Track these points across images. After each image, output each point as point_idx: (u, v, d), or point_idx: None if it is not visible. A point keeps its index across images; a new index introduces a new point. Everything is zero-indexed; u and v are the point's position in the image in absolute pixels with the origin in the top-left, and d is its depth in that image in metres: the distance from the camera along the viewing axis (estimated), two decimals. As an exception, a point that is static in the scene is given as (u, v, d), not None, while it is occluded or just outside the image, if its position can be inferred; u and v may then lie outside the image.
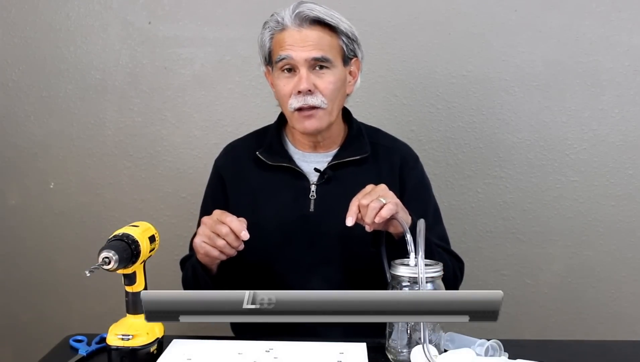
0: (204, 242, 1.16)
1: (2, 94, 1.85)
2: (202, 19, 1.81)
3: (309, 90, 1.26)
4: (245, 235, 1.13)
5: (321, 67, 1.28)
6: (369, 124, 1.46)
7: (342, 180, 1.34)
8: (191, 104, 1.84)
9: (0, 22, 1.83)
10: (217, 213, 1.17)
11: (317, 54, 1.26)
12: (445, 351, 1.04)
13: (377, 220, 1.11)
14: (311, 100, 1.27)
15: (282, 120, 1.41)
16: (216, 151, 1.46)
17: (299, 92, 1.26)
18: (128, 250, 0.99)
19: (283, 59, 1.27)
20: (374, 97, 1.80)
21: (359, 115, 1.45)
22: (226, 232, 1.13)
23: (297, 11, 1.27)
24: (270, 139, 1.38)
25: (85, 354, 1.12)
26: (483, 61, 1.81)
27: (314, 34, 1.27)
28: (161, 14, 1.81)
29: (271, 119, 1.43)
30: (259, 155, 1.35)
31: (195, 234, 1.43)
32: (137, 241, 1.01)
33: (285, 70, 1.29)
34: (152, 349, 1.05)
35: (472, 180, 1.85)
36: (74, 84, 1.84)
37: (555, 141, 1.83)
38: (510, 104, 1.82)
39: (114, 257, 0.96)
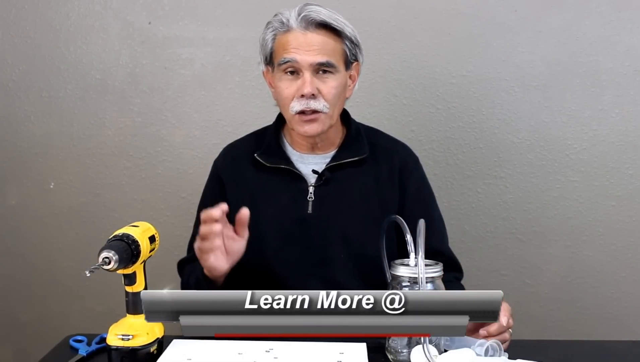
0: (205, 253, 1.14)
1: (2, 94, 1.85)
2: (202, 19, 1.81)
3: (312, 95, 1.26)
4: (223, 207, 1.11)
5: (324, 71, 1.27)
6: (369, 124, 1.46)
7: (341, 182, 1.34)
8: (191, 104, 1.84)
9: (0, 22, 1.83)
10: (201, 217, 1.14)
11: (322, 59, 1.25)
12: (445, 351, 1.04)
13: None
14: (314, 105, 1.26)
15: (280, 121, 1.41)
16: (216, 151, 1.46)
17: (302, 95, 1.26)
18: (128, 250, 0.99)
19: (287, 61, 1.26)
20: (374, 98, 1.80)
21: (359, 116, 1.45)
22: (217, 228, 1.11)
23: (303, 14, 1.26)
24: (269, 141, 1.38)
25: (85, 354, 1.12)
26: (483, 61, 1.81)
27: (320, 38, 1.26)
28: (161, 14, 1.81)
29: (271, 119, 1.43)
30: (257, 157, 1.35)
31: (192, 236, 1.43)
32: (137, 241, 1.01)
33: (288, 73, 1.28)
34: (152, 349, 1.05)
35: (472, 180, 1.85)
36: (74, 84, 1.84)
37: (555, 141, 1.83)
38: (510, 104, 1.82)
39: (114, 257, 0.96)
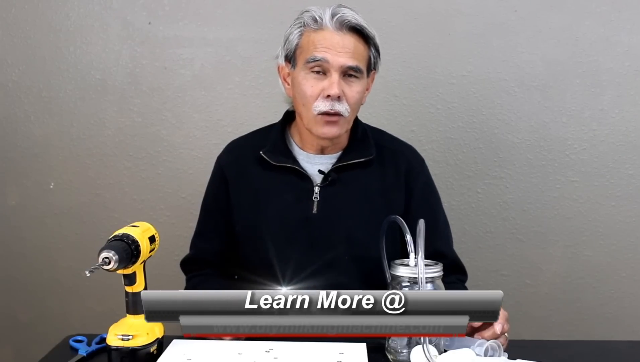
0: None
1: (2, 94, 1.85)
2: (202, 19, 1.81)
3: (338, 97, 1.25)
4: None
5: (351, 75, 1.27)
6: (370, 124, 1.46)
7: (346, 182, 1.33)
8: (191, 104, 1.84)
9: (0, 22, 1.83)
10: None
11: (352, 62, 1.25)
12: (445, 351, 1.04)
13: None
14: (338, 107, 1.25)
15: (287, 119, 1.40)
16: (216, 151, 1.45)
17: (328, 96, 1.25)
18: (128, 250, 0.99)
19: (317, 60, 1.24)
20: (374, 98, 1.78)
21: (360, 116, 1.44)
22: None
23: (338, 15, 1.25)
24: (275, 139, 1.36)
25: (85, 354, 1.12)
26: (483, 61, 1.81)
27: (352, 42, 1.25)
28: (161, 14, 1.81)
29: (271, 119, 1.43)
30: (263, 155, 1.34)
31: (195, 233, 1.43)
32: (137, 241, 1.01)
33: (314, 72, 1.26)
34: (152, 349, 1.05)
35: (472, 180, 1.85)
36: (74, 84, 1.84)
37: (555, 141, 1.83)
38: (510, 104, 1.82)
39: (114, 258, 0.96)
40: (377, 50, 1.31)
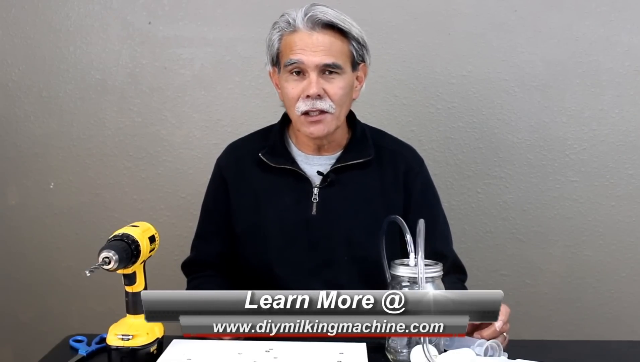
0: None
1: (2, 94, 1.85)
2: (202, 19, 1.81)
3: (318, 95, 1.25)
4: None
5: (330, 72, 1.26)
6: (369, 124, 1.45)
7: (345, 183, 1.33)
8: (191, 104, 1.84)
9: (0, 22, 1.83)
10: None
11: (328, 60, 1.25)
12: (445, 351, 1.04)
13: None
14: (320, 105, 1.26)
15: (285, 120, 1.40)
16: (216, 151, 1.46)
17: (308, 96, 1.25)
18: (128, 250, 0.99)
19: (293, 62, 1.25)
20: (374, 98, 1.80)
21: (359, 116, 1.44)
22: None
23: (309, 14, 1.25)
24: (274, 140, 1.37)
25: (85, 354, 1.13)
26: (483, 61, 1.81)
27: (326, 39, 1.25)
28: (161, 14, 1.81)
29: (271, 119, 1.43)
30: (262, 157, 1.34)
31: (196, 235, 1.43)
32: (137, 241, 1.01)
33: (294, 73, 1.27)
34: (152, 349, 1.05)
35: (472, 180, 1.85)
36: (74, 84, 1.84)
37: (555, 141, 1.83)
38: (510, 104, 1.82)
39: (114, 257, 0.96)
40: (360, 43, 1.30)
